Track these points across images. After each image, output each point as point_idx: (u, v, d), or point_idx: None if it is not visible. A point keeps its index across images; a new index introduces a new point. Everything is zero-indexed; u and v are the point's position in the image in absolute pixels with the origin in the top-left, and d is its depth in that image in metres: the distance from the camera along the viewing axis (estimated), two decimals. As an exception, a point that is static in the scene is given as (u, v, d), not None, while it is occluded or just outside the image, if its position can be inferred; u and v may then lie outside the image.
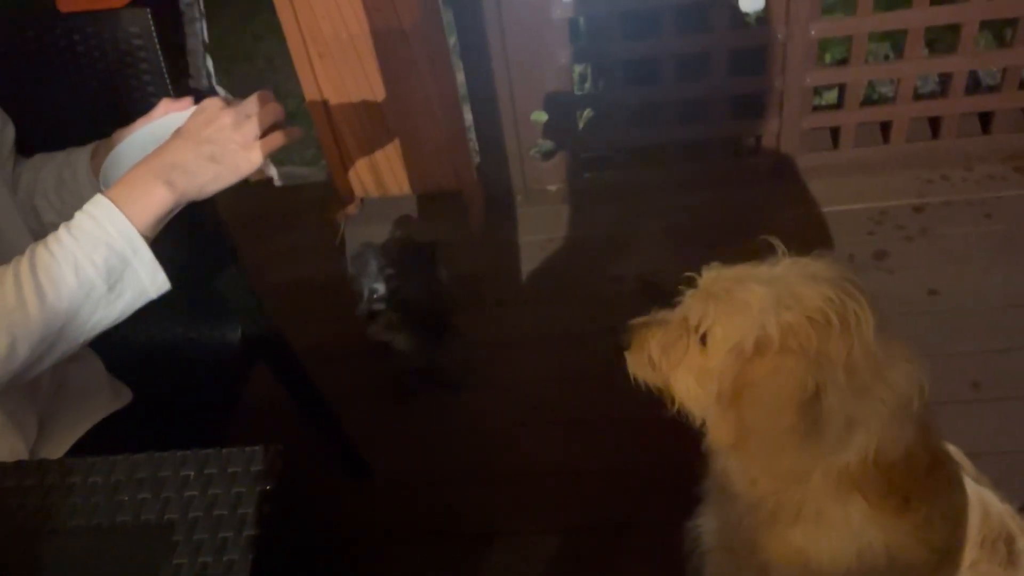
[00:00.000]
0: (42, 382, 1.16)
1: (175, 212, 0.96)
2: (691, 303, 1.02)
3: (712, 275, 1.02)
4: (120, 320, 0.96)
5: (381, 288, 1.70)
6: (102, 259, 0.90)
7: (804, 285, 0.94)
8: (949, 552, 1.10)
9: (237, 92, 3.51)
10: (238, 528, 0.78)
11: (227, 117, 0.96)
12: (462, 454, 1.84)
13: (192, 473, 0.83)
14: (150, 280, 0.94)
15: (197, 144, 0.95)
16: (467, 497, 1.76)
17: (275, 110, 0.99)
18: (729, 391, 0.96)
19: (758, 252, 1.03)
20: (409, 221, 2.33)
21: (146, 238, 0.93)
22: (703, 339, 0.99)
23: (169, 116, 1.10)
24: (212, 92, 2.62)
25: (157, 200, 0.93)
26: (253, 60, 3.59)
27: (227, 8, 3.87)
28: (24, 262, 0.91)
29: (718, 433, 1.01)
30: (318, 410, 1.65)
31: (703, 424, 1.07)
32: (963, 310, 1.92)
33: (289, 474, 0.83)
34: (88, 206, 0.93)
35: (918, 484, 1.02)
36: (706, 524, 1.25)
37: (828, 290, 0.93)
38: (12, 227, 1.12)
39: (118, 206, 0.91)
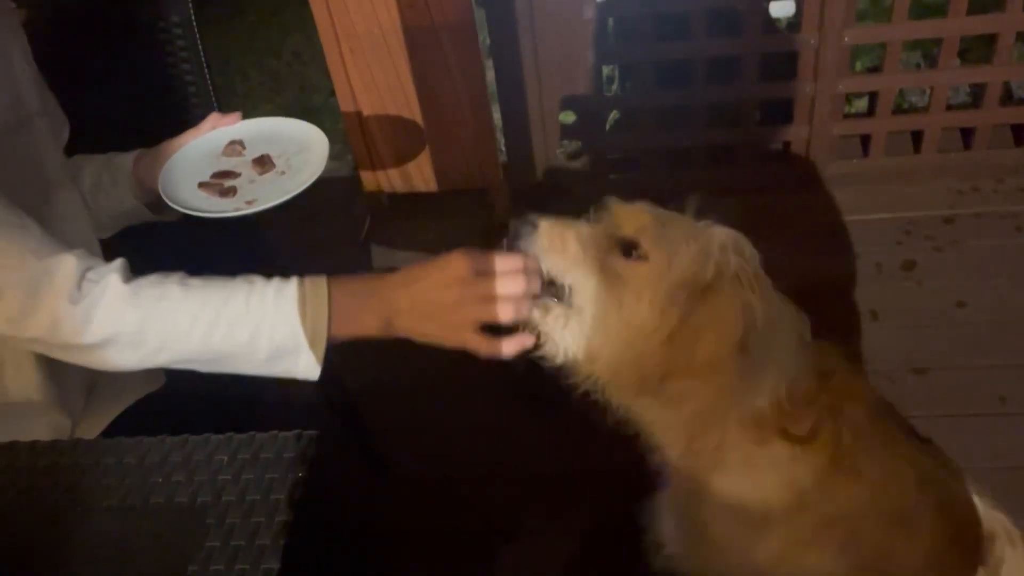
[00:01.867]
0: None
1: None
2: (618, 219, 1.00)
3: (641, 206, 1.02)
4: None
5: None
6: (279, 340, 0.88)
7: (737, 236, 0.98)
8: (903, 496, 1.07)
9: (264, 86, 3.51)
10: (270, 513, 0.78)
11: (454, 293, 0.90)
12: (480, 452, 1.84)
13: (225, 458, 0.83)
14: (305, 371, 0.92)
15: (422, 314, 0.91)
16: (484, 495, 1.76)
17: (519, 308, 0.91)
18: (674, 319, 0.94)
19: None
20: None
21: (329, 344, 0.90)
22: (630, 252, 0.97)
23: (219, 130, 1.12)
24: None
25: (364, 331, 0.91)
26: (280, 54, 3.61)
27: (257, 2, 3.90)
28: (216, 295, 0.89)
29: (649, 368, 0.97)
30: (340, 403, 1.65)
31: (604, 357, 1.00)
32: (991, 323, 1.90)
33: (321, 462, 0.83)
34: (309, 289, 0.89)
35: (821, 414, 1.02)
36: (661, 498, 1.24)
37: (747, 248, 0.98)
38: (82, 223, 1.14)
39: (331, 317, 0.88)
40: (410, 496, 1.77)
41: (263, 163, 1.18)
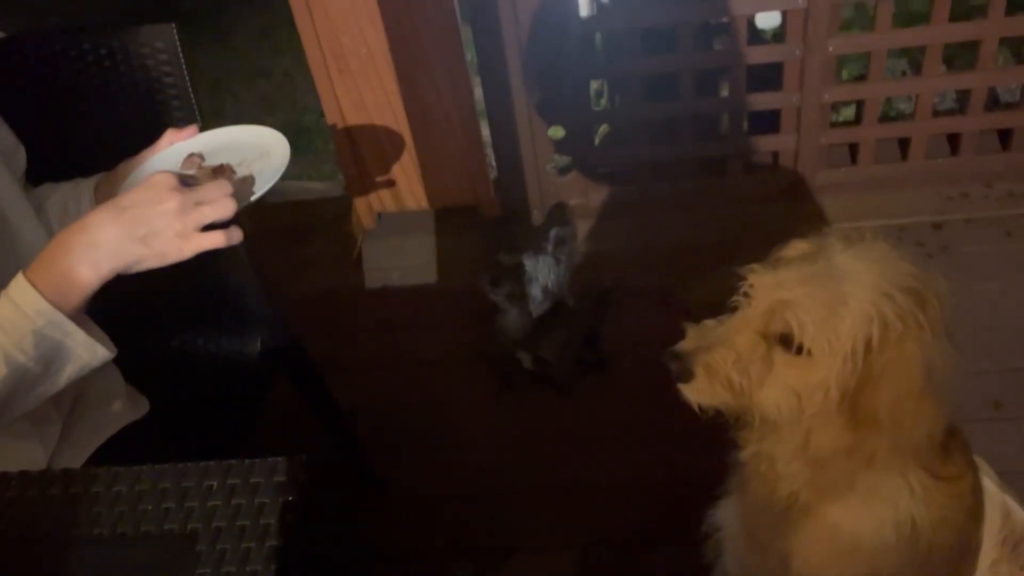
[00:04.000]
0: (63, 392, 1.17)
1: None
2: (764, 315, 0.95)
3: (771, 280, 0.96)
4: (70, 383, 0.95)
5: (541, 276, 1.79)
6: (31, 346, 0.89)
7: (887, 271, 0.91)
8: (968, 538, 1.09)
9: (255, 108, 3.54)
10: (261, 538, 0.78)
11: (173, 202, 0.91)
12: (479, 468, 1.83)
13: (215, 483, 0.83)
14: (89, 355, 0.93)
15: (131, 224, 0.90)
16: (484, 511, 1.75)
17: (227, 207, 0.93)
18: (850, 393, 0.92)
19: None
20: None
21: (77, 314, 0.91)
22: (801, 351, 0.93)
23: (176, 145, 1.10)
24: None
25: (82, 283, 0.90)
26: (271, 75, 3.63)
27: (246, 23, 3.92)
28: None
29: (828, 437, 0.97)
30: (336, 422, 1.65)
31: (787, 432, 1.02)
32: (984, 328, 1.90)
33: (312, 485, 0.83)
34: (12, 291, 0.90)
35: (964, 450, 1.02)
36: (726, 512, 1.23)
37: (910, 268, 0.91)
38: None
39: (41, 292, 0.88)
40: (407, 514, 1.76)
41: (222, 172, 1.12)
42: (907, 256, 0.94)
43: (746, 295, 0.98)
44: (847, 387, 0.92)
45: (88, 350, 0.92)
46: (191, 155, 1.16)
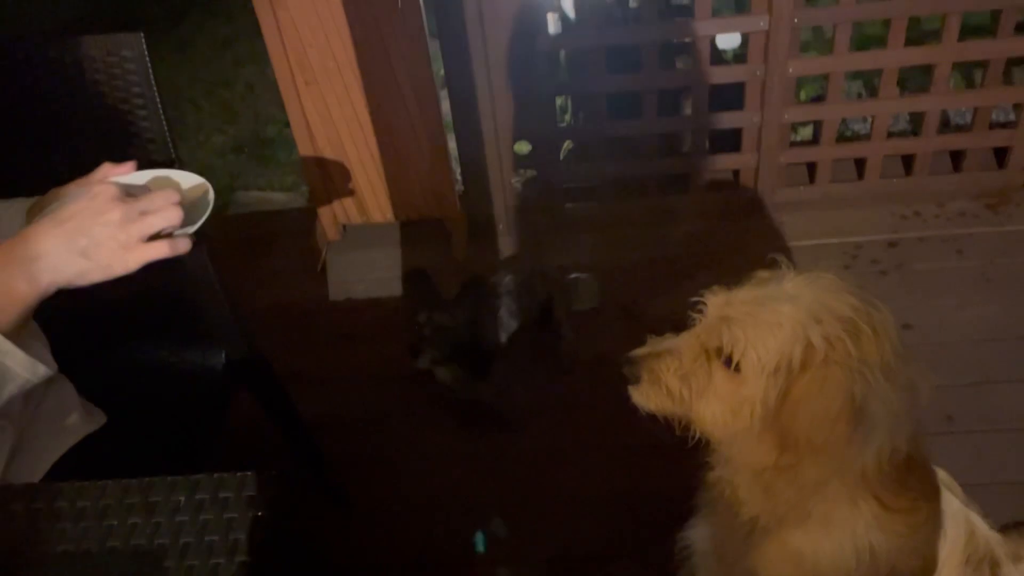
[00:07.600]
0: (14, 407, 1.11)
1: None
2: (708, 329, 1.00)
3: (721, 299, 1.00)
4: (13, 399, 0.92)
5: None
6: None
7: (827, 298, 0.94)
8: (931, 561, 1.11)
9: (217, 118, 3.50)
10: (230, 554, 0.77)
11: (116, 212, 0.87)
12: (443, 482, 1.83)
13: (183, 498, 0.82)
14: (30, 372, 0.90)
15: (71, 235, 0.86)
16: (447, 526, 1.75)
17: (174, 215, 0.90)
18: (773, 411, 0.95)
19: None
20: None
21: (17, 330, 0.87)
22: (731, 365, 0.97)
23: (112, 180, 1.01)
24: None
25: (18, 299, 0.86)
26: (233, 86, 3.59)
27: (207, 34, 3.89)
28: None
29: (756, 454, 1.00)
30: (299, 436, 1.64)
31: (724, 447, 1.05)
32: (937, 344, 1.96)
33: (281, 500, 0.82)
34: None
35: (924, 483, 1.04)
36: (698, 532, 1.25)
37: (851, 299, 0.94)
38: None
39: None
40: (370, 529, 1.75)
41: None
42: (855, 289, 0.97)
43: (700, 311, 1.02)
44: (770, 405, 0.95)
45: (28, 368, 0.89)
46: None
